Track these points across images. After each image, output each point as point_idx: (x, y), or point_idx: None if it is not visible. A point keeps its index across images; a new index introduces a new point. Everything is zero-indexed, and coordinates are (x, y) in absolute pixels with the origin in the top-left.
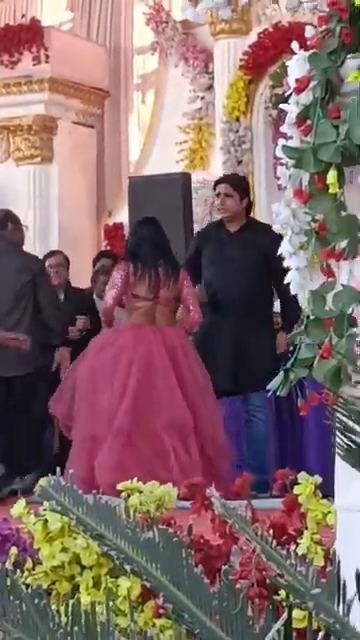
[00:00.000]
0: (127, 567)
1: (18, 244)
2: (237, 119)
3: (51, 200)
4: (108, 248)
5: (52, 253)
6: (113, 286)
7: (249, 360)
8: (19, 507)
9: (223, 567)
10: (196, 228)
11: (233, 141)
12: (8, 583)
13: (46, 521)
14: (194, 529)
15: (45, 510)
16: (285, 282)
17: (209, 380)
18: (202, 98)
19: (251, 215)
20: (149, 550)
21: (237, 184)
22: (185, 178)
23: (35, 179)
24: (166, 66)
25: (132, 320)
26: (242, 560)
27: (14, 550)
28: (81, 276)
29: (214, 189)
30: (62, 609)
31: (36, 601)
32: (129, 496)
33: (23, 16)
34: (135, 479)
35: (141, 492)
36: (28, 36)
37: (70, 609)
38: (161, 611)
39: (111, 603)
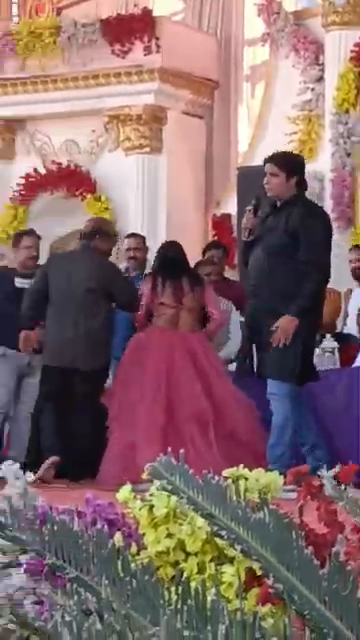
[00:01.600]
0: (237, 547)
1: (102, 253)
2: (347, 111)
3: (159, 190)
4: (216, 239)
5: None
6: (142, 297)
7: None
8: (125, 492)
9: (333, 550)
10: None
11: (342, 133)
12: (119, 560)
13: (152, 507)
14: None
15: (151, 496)
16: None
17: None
18: (312, 89)
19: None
20: (259, 531)
21: (282, 163)
22: None
23: (144, 169)
24: (276, 57)
25: (159, 325)
26: (347, 549)
27: (119, 535)
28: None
29: (263, 165)
30: (168, 592)
31: (146, 577)
32: (234, 483)
33: (135, 6)
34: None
35: (247, 479)
36: (140, 26)
37: (180, 587)
38: (271, 591)
39: (215, 590)
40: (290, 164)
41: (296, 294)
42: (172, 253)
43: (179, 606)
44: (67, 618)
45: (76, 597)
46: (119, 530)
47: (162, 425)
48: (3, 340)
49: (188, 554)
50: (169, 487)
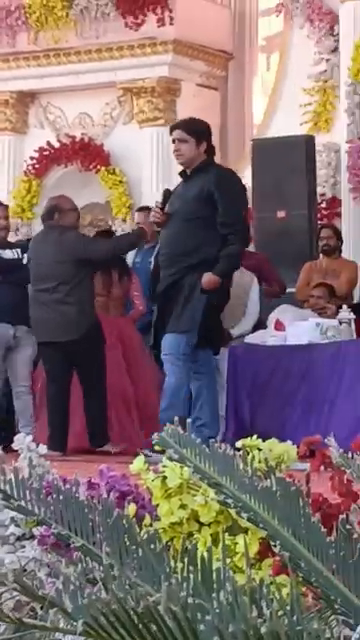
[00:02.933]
0: (244, 515)
1: (67, 228)
2: None
3: (173, 162)
4: None
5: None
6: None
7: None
8: (138, 463)
9: (340, 517)
10: (320, 191)
11: (358, 103)
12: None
13: (165, 478)
14: (313, 489)
15: (164, 467)
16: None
17: (150, 357)
18: (327, 60)
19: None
20: (266, 499)
21: (191, 128)
22: (309, 141)
23: (158, 141)
24: (291, 28)
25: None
26: None
27: (133, 506)
28: None
29: (170, 134)
30: (174, 561)
31: (152, 546)
32: (247, 453)
33: None
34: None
35: (260, 450)
36: None
37: (187, 555)
38: (278, 561)
39: (229, 560)
40: (199, 130)
41: (216, 257)
42: None
43: (185, 575)
44: (71, 586)
45: (80, 565)
46: (133, 501)
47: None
48: None
49: (202, 525)
50: (176, 456)
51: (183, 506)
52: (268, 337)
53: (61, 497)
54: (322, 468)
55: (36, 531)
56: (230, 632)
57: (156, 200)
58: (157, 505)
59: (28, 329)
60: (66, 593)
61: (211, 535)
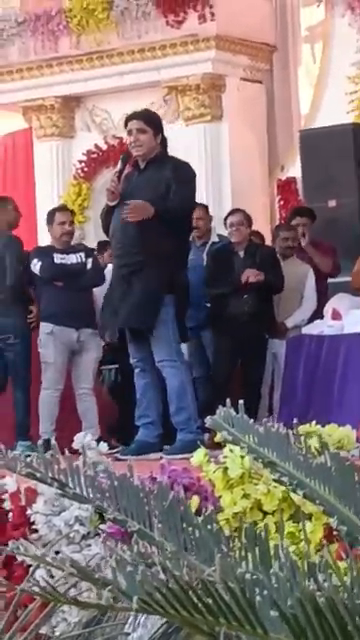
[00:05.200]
0: (299, 492)
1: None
2: None
3: (222, 158)
4: (282, 203)
5: (233, 212)
6: None
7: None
8: (199, 456)
9: None
10: None
11: None
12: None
13: (226, 469)
14: None
15: (225, 458)
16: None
17: None
18: None
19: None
20: (321, 475)
21: (149, 119)
22: (356, 128)
23: (206, 138)
24: (332, 16)
25: None
26: None
27: (196, 498)
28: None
29: (125, 126)
30: (232, 541)
31: (209, 527)
32: (306, 439)
33: None
34: None
35: (319, 435)
36: None
37: (244, 533)
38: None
39: (294, 547)
40: (156, 121)
41: (173, 252)
42: None
43: (242, 553)
44: (126, 566)
45: (135, 547)
46: (195, 494)
47: None
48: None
49: (265, 513)
50: (230, 437)
51: (246, 496)
52: (325, 327)
53: (116, 483)
54: None
55: (101, 528)
56: (288, 605)
57: (115, 170)
58: (220, 496)
59: (92, 332)
60: (120, 572)
61: (275, 523)
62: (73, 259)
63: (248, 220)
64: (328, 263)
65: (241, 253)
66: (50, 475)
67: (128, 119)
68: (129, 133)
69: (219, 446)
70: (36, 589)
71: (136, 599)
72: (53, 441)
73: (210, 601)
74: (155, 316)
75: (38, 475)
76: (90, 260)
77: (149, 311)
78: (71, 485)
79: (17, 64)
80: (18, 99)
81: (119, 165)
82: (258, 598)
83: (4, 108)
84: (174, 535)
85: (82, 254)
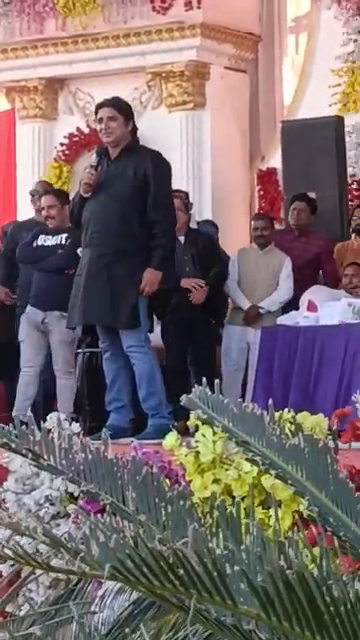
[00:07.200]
0: (272, 472)
1: None
2: None
3: (204, 146)
4: (262, 193)
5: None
6: None
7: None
8: (171, 439)
9: None
10: (350, 171)
11: None
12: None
13: (198, 453)
14: (349, 463)
15: (197, 442)
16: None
17: None
18: (355, 41)
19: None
20: (294, 456)
21: (120, 106)
22: (338, 121)
23: (188, 125)
24: (319, 9)
25: None
26: None
27: (166, 482)
28: (234, 221)
29: (95, 114)
30: (204, 517)
31: (181, 502)
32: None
33: None
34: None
35: (292, 423)
36: None
37: (216, 510)
38: (313, 533)
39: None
40: (127, 108)
41: (152, 245)
42: None
43: (214, 530)
44: (98, 534)
45: (108, 517)
46: (167, 477)
47: None
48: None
49: (234, 499)
50: (204, 416)
51: (216, 480)
52: (300, 318)
53: (90, 456)
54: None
55: (71, 509)
56: (258, 578)
57: (91, 160)
58: (190, 480)
59: (59, 315)
60: (93, 539)
61: (245, 509)
62: (53, 241)
63: (185, 206)
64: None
65: (181, 239)
66: (25, 446)
67: (98, 107)
68: (99, 121)
69: (188, 433)
70: (9, 553)
71: (108, 567)
72: (29, 413)
73: (182, 572)
74: (133, 312)
75: (13, 445)
76: (69, 242)
77: (126, 308)
78: (46, 457)
79: (2, 44)
80: (2, 79)
81: (94, 158)
82: (229, 570)
83: None
84: (147, 509)
85: (65, 235)
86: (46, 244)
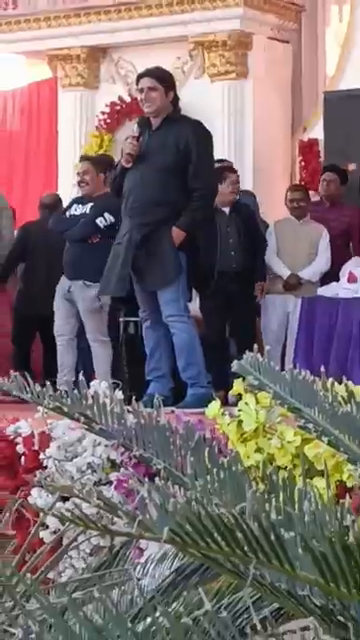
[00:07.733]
0: (324, 439)
1: None
2: None
3: (246, 116)
4: (303, 164)
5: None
6: None
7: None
8: (214, 408)
9: None
10: None
11: None
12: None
13: (241, 422)
14: None
15: (239, 411)
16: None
17: None
18: None
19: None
20: (347, 423)
21: (160, 76)
22: None
23: (230, 95)
24: None
25: None
26: None
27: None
28: (276, 191)
29: (137, 84)
30: (256, 482)
31: (234, 468)
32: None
33: None
34: None
35: (346, 385)
36: None
37: (269, 477)
38: (357, 502)
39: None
40: (168, 78)
41: (186, 208)
42: None
43: (266, 495)
44: (156, 497)
45: (162, 482)
46: (209, 447)
47: None
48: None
49: (278, 468)
50: (255, 382)
51: (259, 449)
52: (340, 289)
53: (142, 421)
54: None
55: (113, 477)
56: (316, 544)
57: (132, 129)
58: (233, 449)
59: (82, 284)
60: (151, 502)
61: (287, 478)
62: (81, 210)
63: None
64: None
65: (226, 210)
66: (77, 410)
67: (139, 77)
68: (140, 91)
69: (227, 403)
70: (68, 514)
71: (167, 530)
72: (66, 378)
73: (240, 535)
74: (176, 275)
75: (65, 409)
76: (91, 212)
77: (170, 270)
78: (98, 420)
79: (45, 12)
80: (45, 47)
81: (136, 128)
82: (287, 535)
83: (30, 56)
84: (202, 474)
85: (90, 205)
86: (76, 213)
